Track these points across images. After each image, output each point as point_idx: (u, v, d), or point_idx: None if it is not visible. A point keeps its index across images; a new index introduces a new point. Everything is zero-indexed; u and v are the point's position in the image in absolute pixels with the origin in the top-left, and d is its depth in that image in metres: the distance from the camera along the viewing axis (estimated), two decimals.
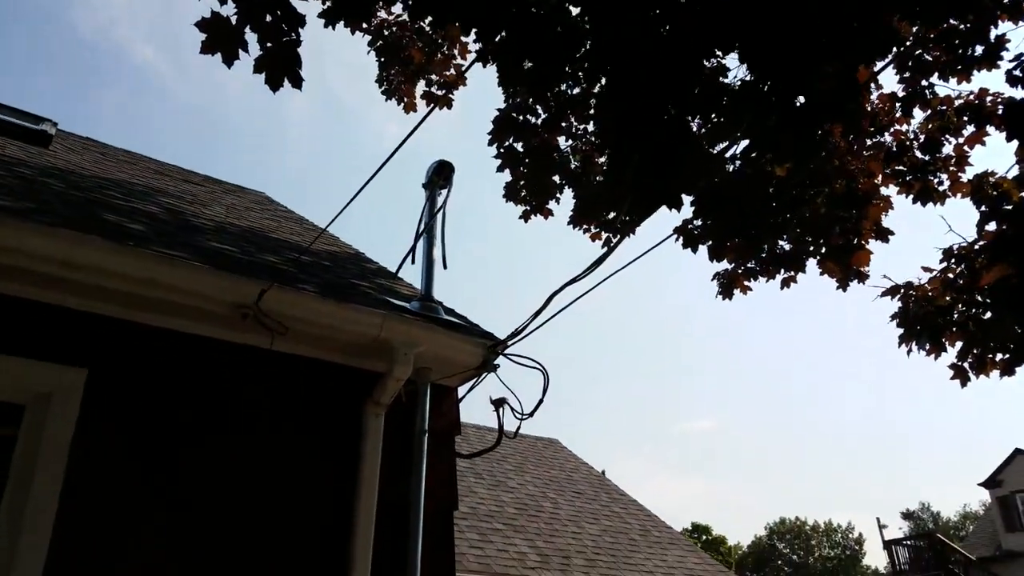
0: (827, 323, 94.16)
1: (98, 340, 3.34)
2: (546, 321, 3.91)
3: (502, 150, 4.59)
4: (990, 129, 5.09)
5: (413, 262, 4.17)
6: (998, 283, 4.17)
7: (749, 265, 6.27)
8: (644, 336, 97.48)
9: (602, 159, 6.52)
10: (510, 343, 4.09)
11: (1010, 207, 4.61)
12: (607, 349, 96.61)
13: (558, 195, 6.61)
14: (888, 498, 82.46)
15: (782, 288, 6.46)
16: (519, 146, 4.75)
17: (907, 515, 64.62)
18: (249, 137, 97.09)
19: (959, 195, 5.35)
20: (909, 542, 28.83)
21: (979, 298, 5.03)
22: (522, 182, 6.70)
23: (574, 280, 3.71)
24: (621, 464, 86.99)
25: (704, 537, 53.02)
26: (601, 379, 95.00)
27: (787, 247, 6.09)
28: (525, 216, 6.72)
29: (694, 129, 3.68)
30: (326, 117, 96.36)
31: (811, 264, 6.28)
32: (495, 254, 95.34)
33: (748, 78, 3.16)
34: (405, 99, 6.33)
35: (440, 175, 4.39)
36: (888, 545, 27.89)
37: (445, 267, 4.26)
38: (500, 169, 4.65)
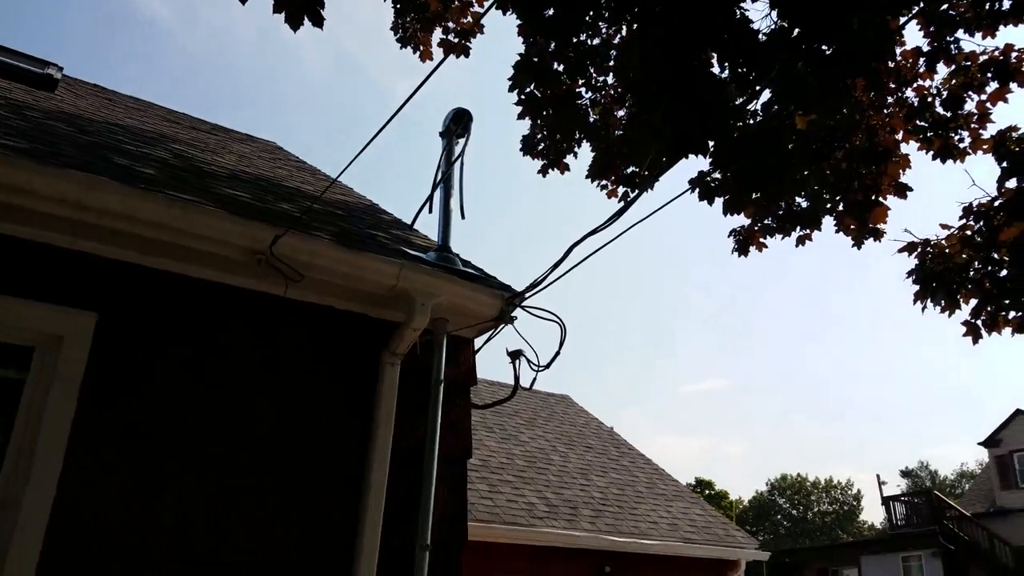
0: (836, 283, 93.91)
1: (109, 284, 3.32)
2: (565, 273, 3.88)
3: (523, 96, 4.45)
4: (1013, 86, 4.98)
5: (431, 211, 4.14)
6: (1017, 240, 4.12)
7: (766, 222, 6.22)
8: (656, 296, 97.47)
9: (621, 112, 6.42)
10: (527, 295, 4.08)
11: None
12: (618, 308, 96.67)
13: (576, 149, 6.53)
14: (888, 457, 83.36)
15: (797, 245, 6.41)
16: (540, 93, 4.61)
17: (906, 473, 65.43)
18: (258, 91, 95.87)
19: (979, 152, 5.26)
20: (906, 498, 29.27)
21: (996, 255, 4.97)
22: (539, 135, 6.60)
23: (594, 231, 3.68)
24: (628, 423, 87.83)
25: (707, 492, 53.76)
26: (612, 338, 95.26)
27: (804, 204, 6.03)
28: (543, 170, 6.62)
29: (721, 77, 3.61)
30: (337, 74, 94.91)
31: (827, 223, 6.24)
32: (508, 212, 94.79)
33: (777, 26, 3.08)
34: (421, 47, 6.20)
35: (458, 123, 4.32)
36: (887, 501, 28.35)
37: (463, 217, 4.22)
38: (521, 116, 4.53)
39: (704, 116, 3.41)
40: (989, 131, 5.15)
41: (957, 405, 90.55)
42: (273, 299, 3.72)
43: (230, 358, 3.56)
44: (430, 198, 4.12)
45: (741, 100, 4.31)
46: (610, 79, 6.06)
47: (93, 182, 3.12)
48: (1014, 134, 4.79)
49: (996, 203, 4.89)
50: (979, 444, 27.69)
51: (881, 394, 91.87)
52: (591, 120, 6.23)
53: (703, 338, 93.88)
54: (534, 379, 4.43)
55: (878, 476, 29.38)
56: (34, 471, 2.90)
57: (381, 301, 3.94)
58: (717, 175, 4.65)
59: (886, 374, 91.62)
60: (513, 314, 4.21)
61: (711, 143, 4.38)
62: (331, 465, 3.69)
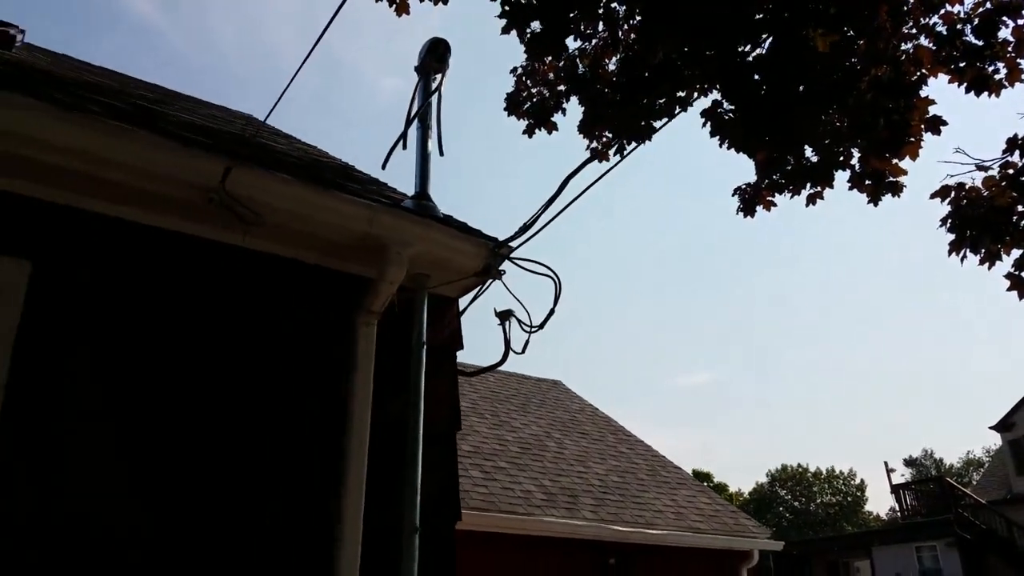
0: (835, 265, 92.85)
1: (44, 229, 2.90)
2: (559, 213, 3.42)
3: (507, 7, 3.84)
4: None
5: (405, 147, 3.66)
6: None
7: (774, 177, 5.77)
8: (644, 286, 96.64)
9: (612, 66, 5.99)
10: (517, 242, 3.61)
11: None
12: (605, 300, 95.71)
13: (564, 104, 6.11)
14: (890, 445, 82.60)
15: (807, 204, 5.90)
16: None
17: (910, 462, 64.74)
18: (242, 89, 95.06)
19: (1017, 84, 4.77)
20: (917, 486, 28.70)
21: None
22: (524, 93, 6.18)
23: (589, 160, 3.23)
24: (618, 417, 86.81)
25: (706, 484, 53.28)
26: (599, 330, 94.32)
27: (814, 159, 5.58)
28: (528, 131, 6.23)
29: None
30: (324, 76, 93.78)
31: (841, 181, 5.76)
32: (495, 169, 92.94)
33: None
34: (397, 0, 5.73)
35: (433, 55, 3.86)
36: (896, 489, 27.76)
37: (442, 154, 3.75)
38: (506, 30, 3.94)
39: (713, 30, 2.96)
40: None
41: (956, 390, 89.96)
42: (231, 250, 3.26)
43: (183, 319, 3.08)
44: (404, 135, 3.64)
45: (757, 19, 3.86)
46: (600, 26, 5.63)
47: (10, 102, 2.66)
48: None
49: None
50: (991, 428, 27.07)
51: (880, 381, 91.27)
52: (580, 71, 5.81)
53: (693, 330, 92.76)
54: (527, 342, 4.00)
55: (886, 464, 29.02)
56: None
57: (352, 252, 3.47)
58: (730, 106, 4.16)
59: (884, 361, 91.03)
60: (501, 268, 3.74)
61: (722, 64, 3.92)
62: (303, 443, 3.21)
